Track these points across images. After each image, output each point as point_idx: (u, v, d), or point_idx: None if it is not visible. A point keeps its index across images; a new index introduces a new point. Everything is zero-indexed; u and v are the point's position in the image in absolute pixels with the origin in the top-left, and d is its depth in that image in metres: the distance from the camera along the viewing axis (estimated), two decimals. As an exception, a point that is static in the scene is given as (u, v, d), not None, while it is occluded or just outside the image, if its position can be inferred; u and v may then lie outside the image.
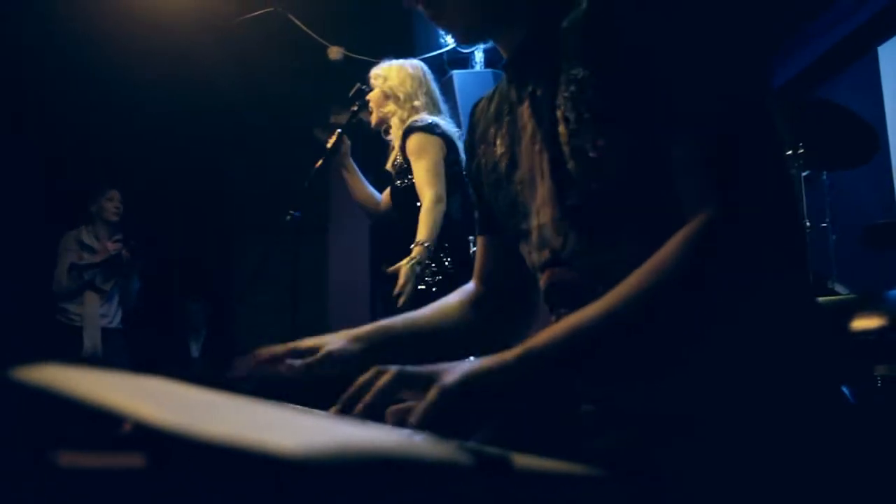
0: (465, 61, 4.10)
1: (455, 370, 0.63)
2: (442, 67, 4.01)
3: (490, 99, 1.01)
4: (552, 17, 0.83)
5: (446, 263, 2.57)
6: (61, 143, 4.67)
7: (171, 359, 4.87)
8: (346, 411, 0.66)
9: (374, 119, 2.75)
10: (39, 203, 4.61)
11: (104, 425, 0.44)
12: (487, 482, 0.44)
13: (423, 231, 2.48)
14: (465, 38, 0.91)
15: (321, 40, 4.09)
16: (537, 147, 0.85)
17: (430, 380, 0.63)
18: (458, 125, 2.87)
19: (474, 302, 1.07)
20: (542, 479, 0.50)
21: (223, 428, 0.34)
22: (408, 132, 2.60)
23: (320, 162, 2.66)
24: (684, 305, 0.66)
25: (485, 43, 0.94)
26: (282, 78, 4.59)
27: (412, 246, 2.48)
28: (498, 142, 0.94)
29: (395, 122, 2.69)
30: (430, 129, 2.59)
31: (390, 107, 2.69)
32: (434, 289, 2.55)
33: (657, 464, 0.62)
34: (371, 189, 2.84)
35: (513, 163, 0.91)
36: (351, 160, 2.75)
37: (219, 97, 4.79)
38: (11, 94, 4.30)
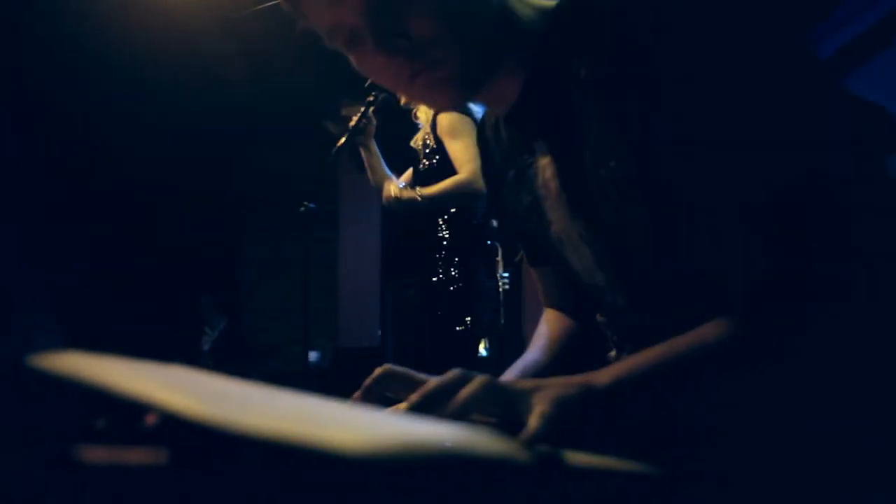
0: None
1: (545, 394, 0.56)
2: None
3: (496, 127, 0.88)
4: (557, 60, 0.72)
5: (458, 264, 2.52)
6: (67, 136, 4.66)
7: (182, 353, 4.85)
8: (418, 412, 0.59)
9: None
10: (43, 198, 4.59)
11: (135, 418, 0.41)
12: (543, 478, 0.41)
13: (437, 188, 2.44)
14: (458, 99, 0.74)
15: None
16: (568, 212, 0.75)
17: (519, 400, 0.56)
18: None
19: (565, 328, 0.97)
20: (596, 476, 0.47)
21: (272, 422, 0.31)
22: (438, 112, 2.52)
23: (342, 140, 2.60)
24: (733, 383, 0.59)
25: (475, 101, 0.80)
26: (292, 69, 4.56)
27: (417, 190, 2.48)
28: (524, 191, 0.83)
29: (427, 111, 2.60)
30: (464, 109, 2.51)
31: None
32: (458, 285, 2.50)
33: (717, 464, 0.59)
34: (389, 172, 2.78)
35: (543, 219, 0.81)
36: (373, 141, 2.68)
37: (228, 88, 4.77)
38: (17, 87, 4.28)
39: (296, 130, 5.05)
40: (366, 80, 2.69)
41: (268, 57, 4.46)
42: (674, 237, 0.68)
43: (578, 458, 0.45)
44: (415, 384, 0.70)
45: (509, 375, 0.89)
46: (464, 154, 2.44)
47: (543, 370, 0.90)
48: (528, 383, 0.59)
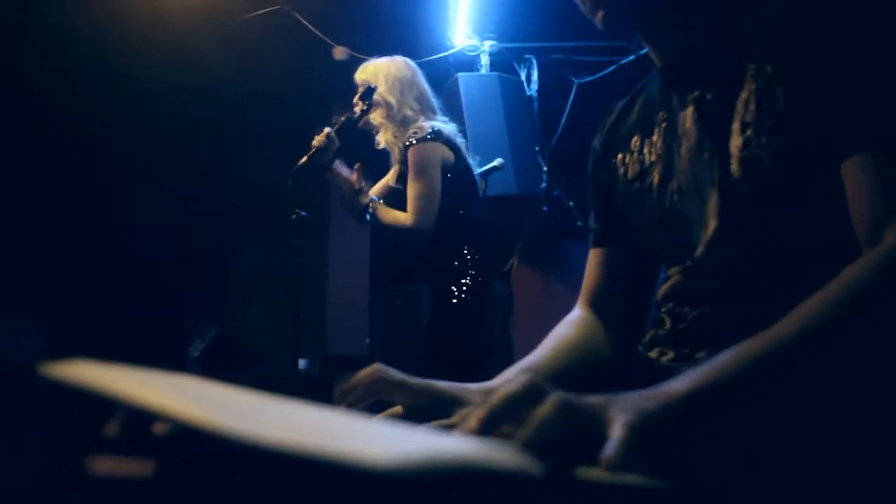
0: (470, 64, 4.07)
1: (623, 407, 0.54)
2: (447, 70, 3.99)
3: (627, 108, 0.97)
4: (730, 18, 0.81)
5: (472, 273, 2.48)
6: (57, 141, 4.63)
7: (169, 359, 4.81)
8: (488, 429, 0.53)
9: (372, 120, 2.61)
10: (35, 201, 4.55)
11: (144, 428, 0.40)
12: (561, 493, 0.41)
13: (390, 216, 2.46)
14: (614, 30, 0.84)
15: (327, 39, 4.06)
16: (707, 155, 0.80)
17: (594, 418, 0.53)
18: (462, 128, 2.78)
19: (587, 334, 0.96)
20: (606, 491, 0.47)
21: (295, 435, 0.30)
22: (408, 146, 2.47)
23: (304, 159, 2.53)
24: (875, 342, 0.60)
25: (632, 40, 0.91)
26: (286, 78, 4.56)
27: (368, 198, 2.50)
28: (646, 150, 0.90)
29: (387, 136, 2.55)
30: (435, 136, 2.46)
31: (379, 116, 2.54)
32: (465, 297, 2.46)
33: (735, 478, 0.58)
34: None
35: (668, 172, 0.86)
36: (338, 163, 2.58)
37: (222, 96, 4.76)
38: (11, 92, 4.25)
39: (288, 138, 5.04)
40: (357, 88, 2.70)
41: (261, 65, 4.45)
42: (800, 191, 0.71)
43: (593, 472, 0.45)
44: (413, 391, 0.71)
45: (508, 375, 0.88)
46: (418, 202, 2.42)
47: (555, 374, 0.89)
48: (600, 400, 0.56)
